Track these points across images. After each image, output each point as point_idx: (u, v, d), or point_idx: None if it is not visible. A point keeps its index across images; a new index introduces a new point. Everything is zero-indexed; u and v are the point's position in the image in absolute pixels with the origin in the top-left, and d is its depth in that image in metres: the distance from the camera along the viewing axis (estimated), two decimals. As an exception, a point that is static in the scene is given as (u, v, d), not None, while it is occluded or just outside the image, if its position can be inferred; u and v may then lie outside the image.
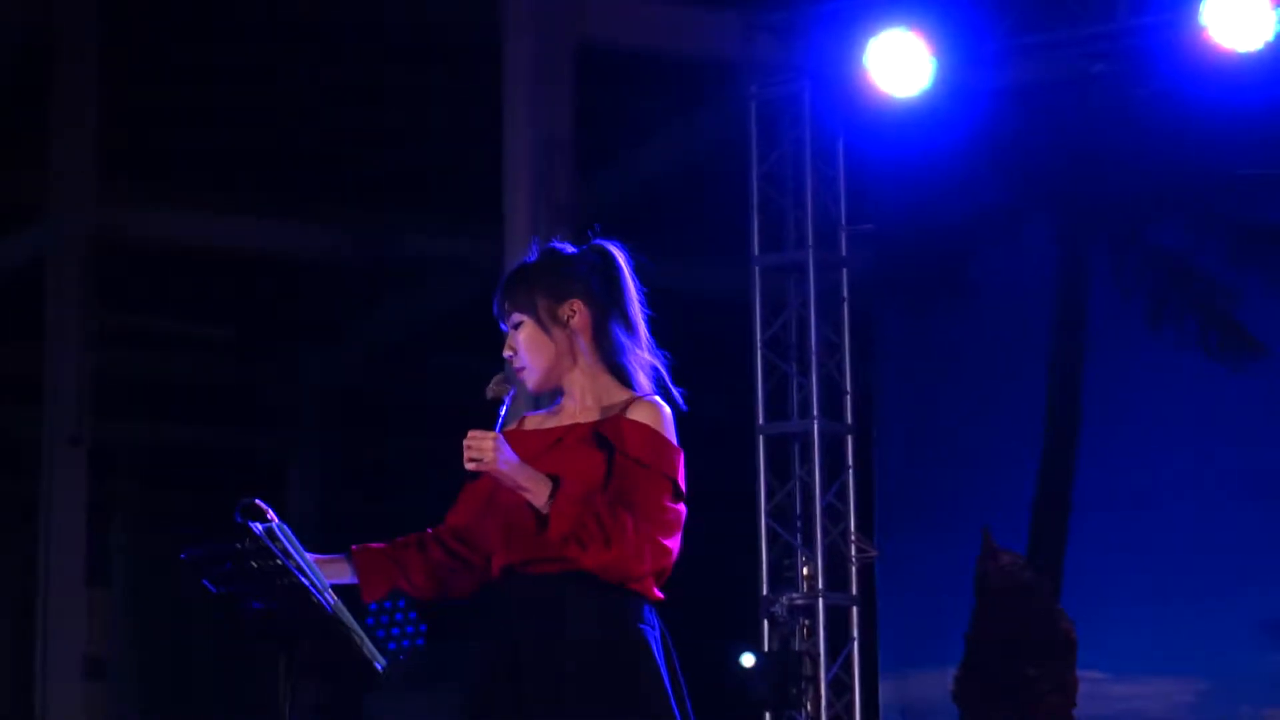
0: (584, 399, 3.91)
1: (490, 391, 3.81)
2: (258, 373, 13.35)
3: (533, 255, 3.99)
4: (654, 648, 3.83)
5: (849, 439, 8.58)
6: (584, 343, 3.90)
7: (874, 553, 8.54)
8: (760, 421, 8.56)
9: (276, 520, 4.13)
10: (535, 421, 4.02)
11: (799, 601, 8.42)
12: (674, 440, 3.86)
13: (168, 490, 13.28)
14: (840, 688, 8.44)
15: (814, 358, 8.50)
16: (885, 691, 8.57)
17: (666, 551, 3.79)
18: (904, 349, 8.76)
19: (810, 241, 8.54)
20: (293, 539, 4.14)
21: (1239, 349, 8.23)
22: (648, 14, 9.49)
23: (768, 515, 8.54)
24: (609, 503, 3.73)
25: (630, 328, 3.93)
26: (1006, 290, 8.55)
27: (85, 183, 10.75)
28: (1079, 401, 8.48)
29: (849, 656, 8.44)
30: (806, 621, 8.44)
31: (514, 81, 9.28)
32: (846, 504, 8.52)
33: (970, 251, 8.63)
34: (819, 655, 8.34)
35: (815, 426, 8.46)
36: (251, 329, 12.74)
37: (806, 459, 8.52)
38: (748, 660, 8.51)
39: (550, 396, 4.02)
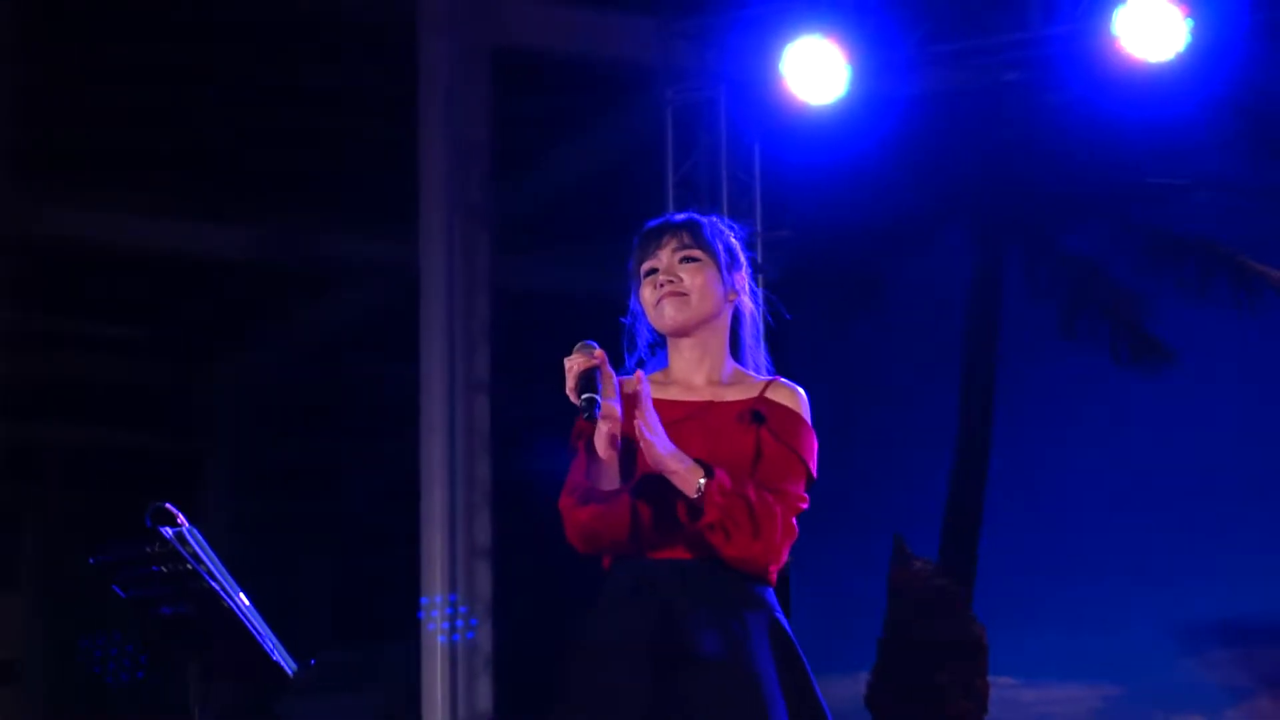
0: (713, 373, 3.77)
1: (580, 364, 3.55)
2: (171, 375, 13.26)
3: (696, 215, 3.87)
4: (794, 638, 3.68)
5: (763, 444, 8.58)
6: (728, 319, 3.80)
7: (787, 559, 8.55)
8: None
9: (187, 524, 4.10)
10: (631, 385, 3.71)
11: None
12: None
13: (79, 493, 13.17)
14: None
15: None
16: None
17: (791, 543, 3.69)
18: (818, 356, 8.78)
19: (726, 247, 8.53)
20: (203, 543, 4.11)
21: (1150, 356, 8.30)
22: (563, 17, 9.48)
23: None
24: (759, 491, 3.59)
25: (755, 326, 3.87)
26: (921, 297, 8.59)
27: (-2, 182, 10.65)
28: (991, 408, 8.52)
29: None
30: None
31: (429, 83, 9.25)
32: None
33: (885, 258, 8.67)
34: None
35: (730, 432, 8.46)
36: (164, 331, 12.64)
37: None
38: None
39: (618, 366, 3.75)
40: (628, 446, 3.57)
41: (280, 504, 13.32)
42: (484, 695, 9.05)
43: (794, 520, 3.65)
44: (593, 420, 3.48)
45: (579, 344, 3.60)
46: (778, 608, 3.68)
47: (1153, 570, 7.97)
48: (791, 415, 3.70)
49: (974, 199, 8.64)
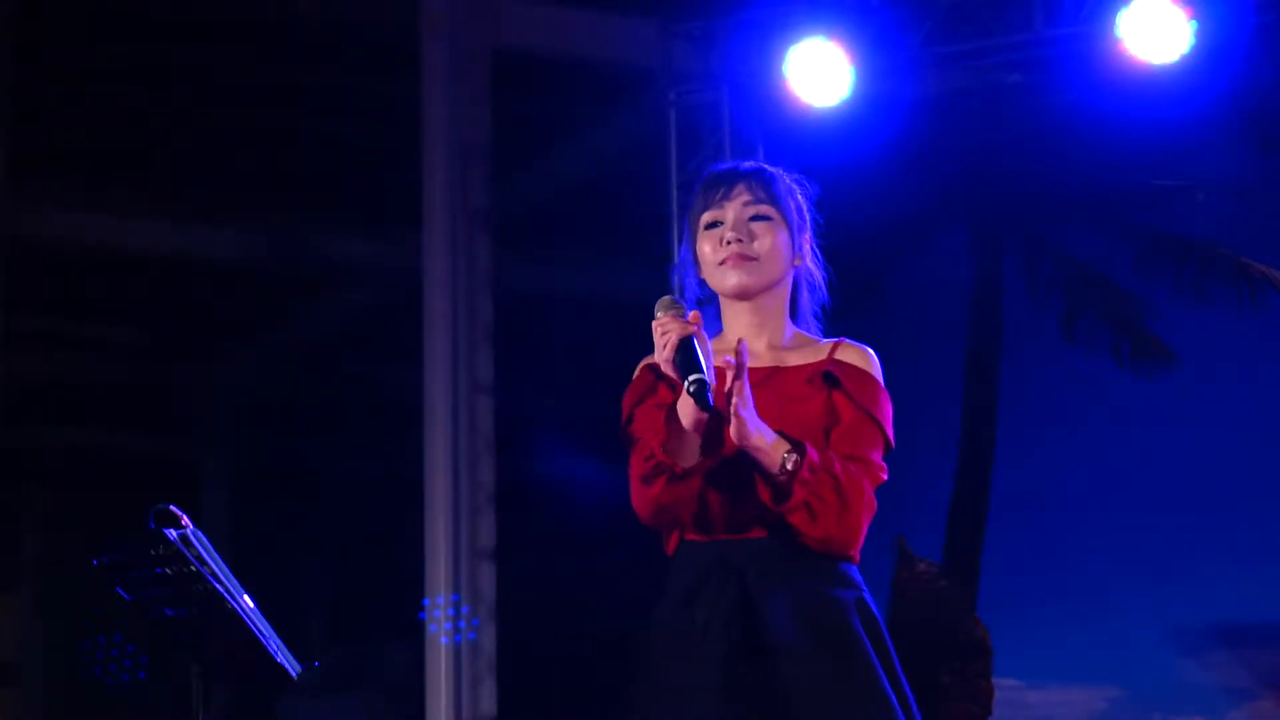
0: (774, 337, 3.45)
1: (671, 327, 3.17)
2: (170, 376, 13.25)
3: (766, 166, 3.52)
4: (881, 620, 3.36)
5: (766, 446, 8.57)
6: (789, 284, 3.47)
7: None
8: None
9: (191, 526, 4.09)
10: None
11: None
12: None
13: (79, 494, 13.16)
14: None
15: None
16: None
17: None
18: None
19: (728, 249, 8.53)
20: (207, 545, 4.10)
21: (1151, 358, 8.30)
22: (565, 19, 9.48)
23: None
24: (845, 465, 3.27)
25: (815, 291, 3.54)
26: (924, 298, 8.60)
27: (-3, 184, 10.63)
28: (994, 411, 8.53)
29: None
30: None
31: (431, 85, 9.25)
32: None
33: (888, 259, 8.67)
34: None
35: (732, 434, 8.44)
36: (164, 332, 12.64)
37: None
38: None
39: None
40: (712, 420, 3.21)
41: (281, 505, 13.32)
42: (487, 697, 9.05)
43: (874, 494, 3.34)
44: (708, 409, 3.12)
45: (664, 301, 3.24)
46: (864, 586, 3.36)
47: (1155, 572, 7.98)
48: (866, 377, 3.38)
49: (977, 200, 8.64)
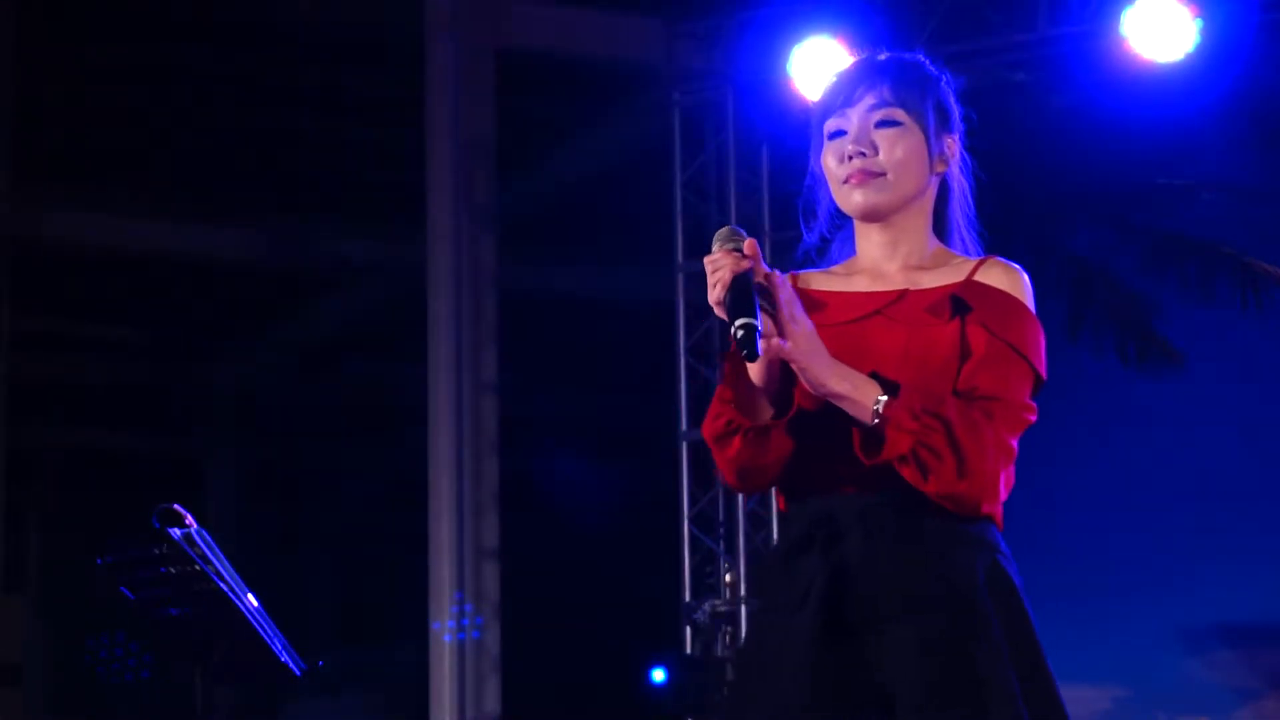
0: (910, 257, 2.97)
1: (722, 263, 2.74)
2: (174, 376, 13.25)
3: (902, 57, 3.04)
4: (1022, 590, 2.86)
5: (771, 445, 8.56)
6: (938, 193, 3.01)
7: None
8: (683, 428, 8.55)
9: (195, 525, 4.08)
10: (820, 281, 3.01)
11: (721, 608, 8.42)
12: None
13: (83, 494, 13.16)
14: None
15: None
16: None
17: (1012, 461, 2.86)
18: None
19: (733, 248, 8.52)
20: (211, 544, 4.10)
21: (1156, 357, 8.29)
22: (570, 18, 9.48)
23: (690, 521, 8.53)
24: (964, 408, 2.77)
25: (965, 198, 3.06)
26: (927, 298, 8.59)
27: (-1, 184, 10.64)
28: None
29: (769, 663, 8.42)
30: (729, 628, 8.43)
31: (436, 84, 9.26)
32: (769, 511, 8.51)
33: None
34: (740, 662, 8.33)
35: (737, 433, 8.43)
36: (168, 332, 12.64)
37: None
38: (659, 676, 8.50)
39: (819, 252, 3.09)
40: (786, 367, 2.80)
41: (285, 504, 13.32)
42: (491, 695, 9.05)
43: (1016, 441, 2.85)
44: (754, 356, 2.68)
45: (722, 232, 2.81)
46: (1003, 549, 2.87)
47: (1161, 571, 7.97)
48: (1008, 301, 2.88)
49: (980, 199, 8.63)
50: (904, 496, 2.79)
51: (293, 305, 12.59)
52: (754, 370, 2.82)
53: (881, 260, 2.96)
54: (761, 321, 2.71)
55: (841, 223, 3.04)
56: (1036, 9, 7.76)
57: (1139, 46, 7.52)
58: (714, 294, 2.73)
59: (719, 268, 2.73)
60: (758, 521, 8.53)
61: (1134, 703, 8.02)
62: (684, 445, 8.54)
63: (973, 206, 3.05)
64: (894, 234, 2.95)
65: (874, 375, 2.79)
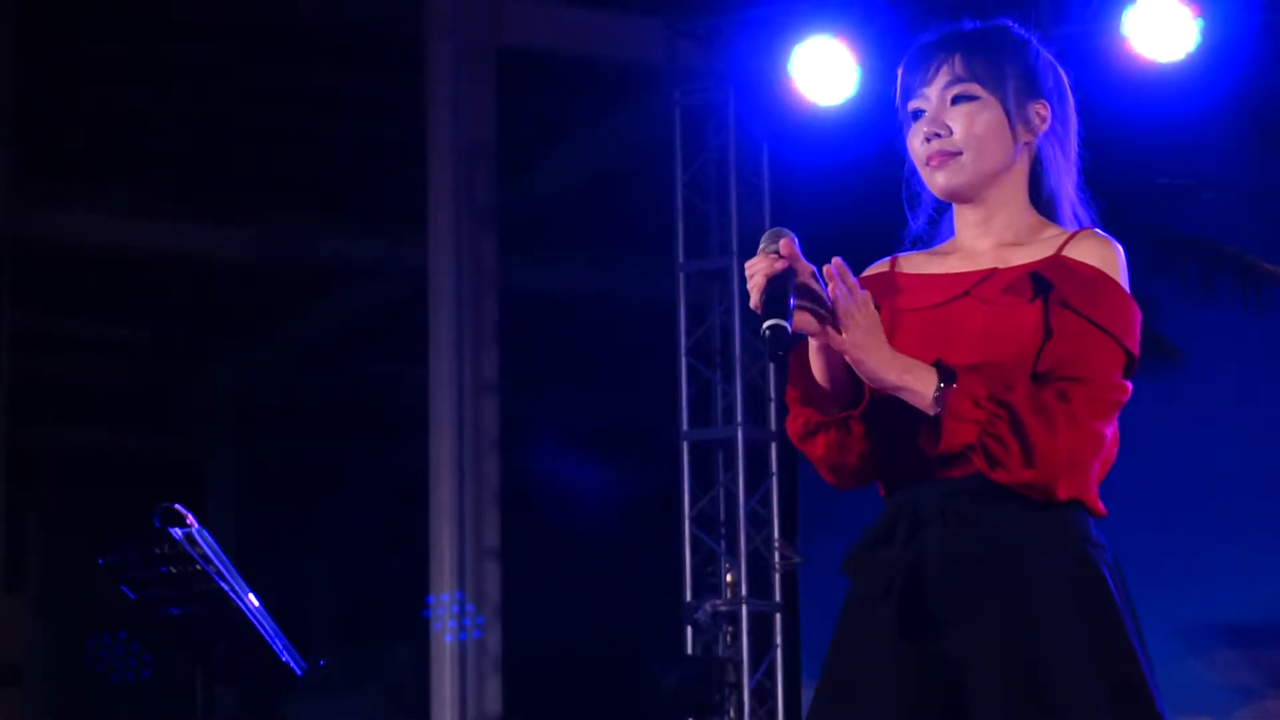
0: (1004, 233, 2.87)
1: (757, 267, 2.67)
2: (175, 375, 13.25)
3: (976, 24, 2.95)
4: (1111, 581, 2.76)
5: (773, 446, 8.58)
6: (1031, 163, 2.89)
7: (798, 559, 8.53)
8: (684, 428, 8.54)
9: (196, 525, 4.08)
10: (915, 263, 2.95)
11: (722, 608, 8.41)
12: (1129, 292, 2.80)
13: (83, 494, 13.16)
14: (763, 695, 8.43)
15: (738, 364, 8.49)
16: (808, 698, 8.57)
17: (1105, 447, 2.79)
18: (827, 356, 8.76)
19: (735, 248, 8.53)
20: (212, 544, 4.10)
21: (1156, 356, 8.28)
22: (570, 18, 9.48)
23: (691, 521, 8.53)
24: (1034, 391, 2.67)
25: (1069, 164, 2.94)
26: (929, 297, 8.58)
27: (0, 184, 10.63)
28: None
29: (772, 663, 8.43)
30: (730, 628, 8.43)
31: (436, 84, 9.26)
32: (770, 510, 8.51)
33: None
34: (742, 662, 8.33)
35: (739, 433, 8.45)
36: (169, 331, 12.64)
37: (730, 465, 8.52)
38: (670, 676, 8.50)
39: (931, 232, 3.00)
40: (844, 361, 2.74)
41: (286, 504, 13.32)
42: (492, 695, 9.05)
43: (1106, 418, 2.75)
44: (779, 358, 2.63)
45: (767, 234, 2.72)
46: (1094, 539, 2.78)
47: (1161, 570, 7.95)
48: (1095, 276, 2.75)
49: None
50: (987, 484, 2.70)
51: (293, 305, 12.59)
52: (815, 365, 2.77)
53: (975, 238, 2.88)
54: (798, 319, 2.65)
55: (945, 204, 2.96)
56: (1038, 8, 7.75)
57: (1140, 46, 7.51)
58: (752, 300, 2.67)
59: (754, 272, 2.67)
60: (759, 521, 8.52)
61: (1135, 702, 8.01)
62: (684, 445, 8.54)
63: (1075, 171, 2.94)
64: (985, 211, 2.87)
65: (949, 360, 2.71)
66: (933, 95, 2.86)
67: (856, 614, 2.78)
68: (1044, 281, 2.76)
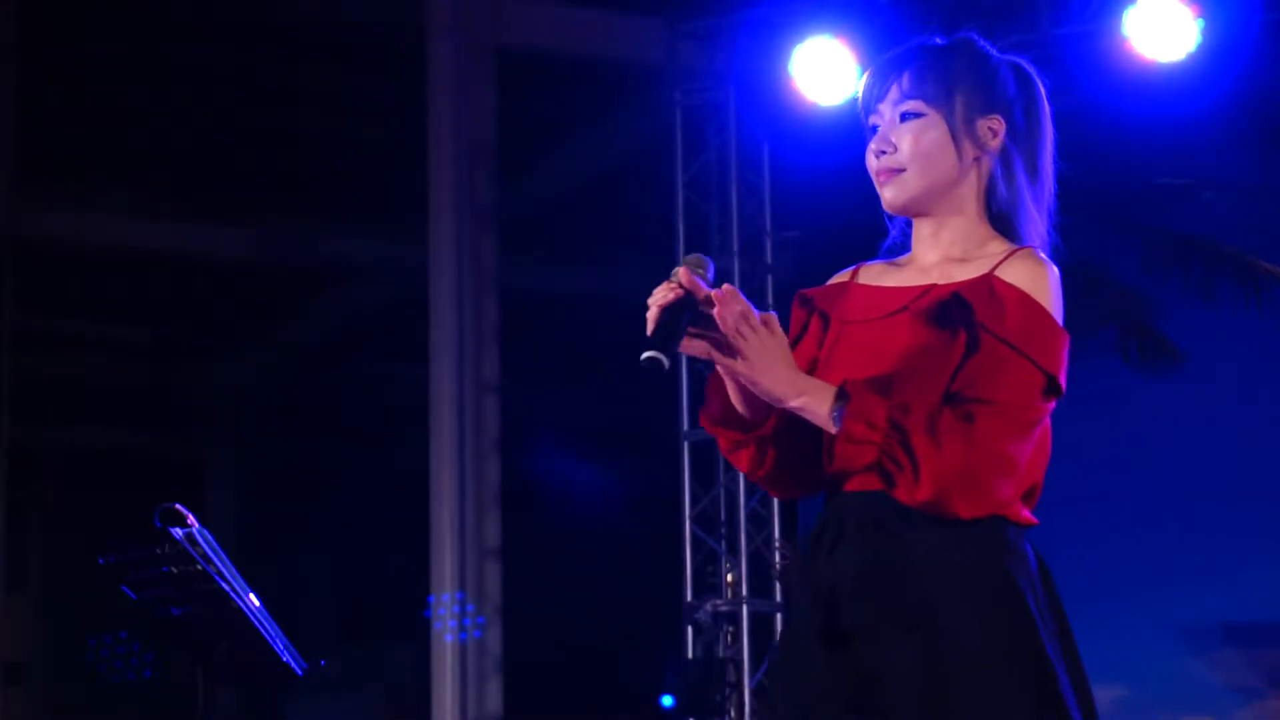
0: (951, 248, 2.88)
1: (654, 298, 2.71)
2: (176, 375, 13.26)
3: (940, 39, 2.96)
4: (1026, 590, 2.74)
5: (772, 445, 8.57)
6: (983, 178, 2.90)
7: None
8: (684, 428, 8.55)
9: (197, 525, 4.08)
10: (872, 274, 2.96)
11: (723, 608, 8.41)
12: (1059, 315, 2.79)
13: (84, 494, 13.17)
14: (764, 694, 8.44)
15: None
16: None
17: (1019, 466, 2.74)
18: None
19: (736, 249, 8.54)
20: (213, 544, 4.10)
21: (1158, 357, 8.29)
22: (570, 18, 9.48)
23: (692, 521, 8.53)
24: (935, 412, 2.66)
25: (1036, 178, 2.94)
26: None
27: (1, 184, 10.63)
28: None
29: (772, 663, 8.44)
30: (730, 628, 8.43)
31: (437, 84, 9.25)
32: (770, 510, 8.51)
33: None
34: (742, 662, 8.33)
35: (738, 432, 8.43)
36: (170, 331, 12.65)
37: (730, 465, 8.51)
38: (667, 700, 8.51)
39: (901, 246, 2.99)
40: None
41: (287, 504, 13.33)
42: (493, 695, 9.05)
43: (1019, 438, 2.72)
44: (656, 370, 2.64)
45: (692, 257, 2.78)
46: (1012, 549, 2.76)
47: (1162, 570, 7.97)
48: (1018, 298, 2.75)
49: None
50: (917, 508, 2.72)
51: (293, 305, 12.60)
52: (729, 387, 2.82)
53: (925, 252, 2.90)
54: (692, 346, 2.72)
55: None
56: (1038, 8, 7.76)
57: (1140, 46, 7.51)
58: (648, 329, 2.69)
59: (651, 301, 2.71)
60: (759, 521, 8.52)
61: (1135, 703, 8.01)
62: (685, 445, 8.54)
63: (1030, 186, 2.94)
64: (933, 225, 2.89)
65: (873, 374, 2.74)
66: (885, 111, 2.89)
67: (789, 625, 2.86)
68: (966, 302, 2.77)
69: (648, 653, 8.83)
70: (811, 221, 8.73)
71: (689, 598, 8.50)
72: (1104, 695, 8.54)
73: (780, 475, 2.86)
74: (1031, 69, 3.00)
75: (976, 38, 2.97)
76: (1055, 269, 2.83)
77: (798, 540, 2.59)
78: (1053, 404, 2.78)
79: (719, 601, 8.43)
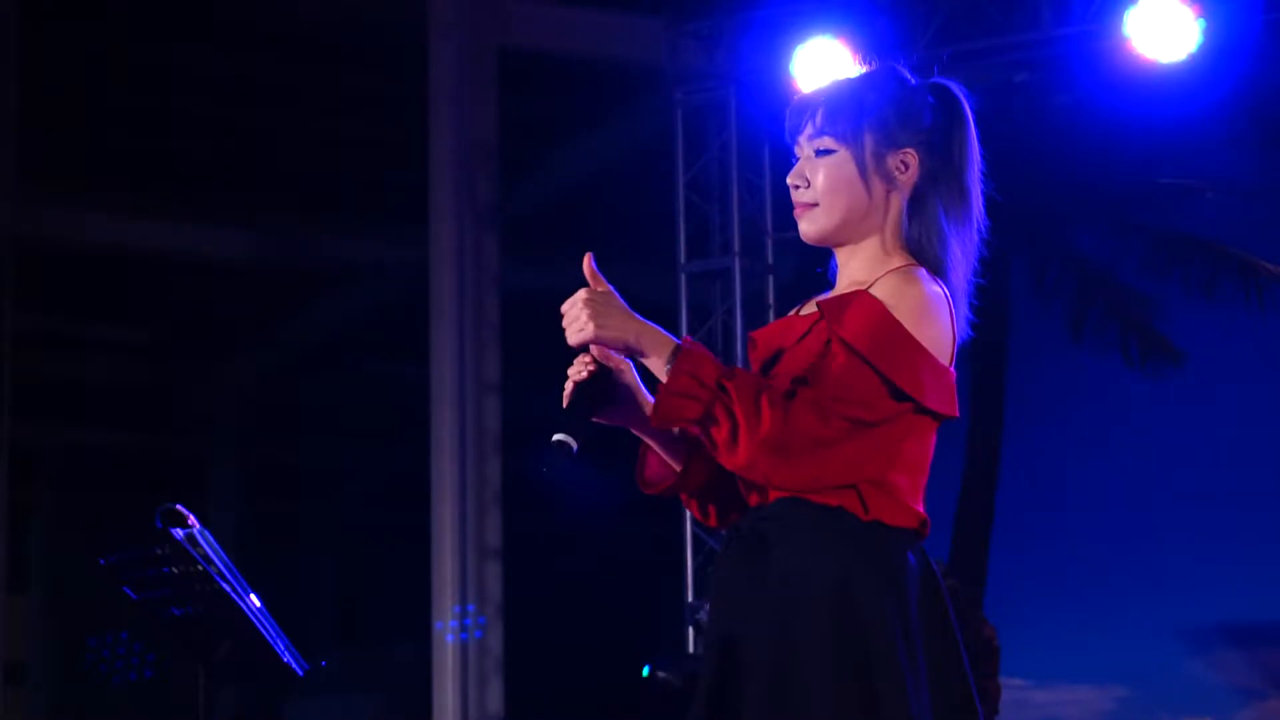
0: (857, 273, 2.96)
1: (572, 376, 2.92)
2: (177, 375, 13.25)
3: (864, 70, 3.03)
4: (888, 604, 2.80)
5: (771, 446, 8.56)
6: (897, 210, 2.96)
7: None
8: (684, 428, 8.54)
9: (197, 525, 4.08)
10: (810, 303, 3.06)
11: (722, 608, 8.40)
12: (930, 331, 2.83)
13: (85, 494, 13.16)
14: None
15: (740, 365, 8.48)
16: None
17: (835, 453, 2.78)
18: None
19: (736, 248, 8.54)
20: (214, 544, 4.09)
21: (1159, 357, 8.29)
22: (572, 18, 9.48)
23: (692, 521, 8.53)
24: (761, 384, 2.79)
25: (960, 206, 2.99)
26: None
27: (2, 184, 10.63)
28: (1002, 410, 8.51)
29: (771, 663, 8.42)
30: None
31: (438, 85, 9.26)
32: (769, 510, 8.50)
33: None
34: (742, 662, 8.32)
35: (739, 434, 8.43)
36: (171, 331, 12.64)
37: (730, 465, 8.51)
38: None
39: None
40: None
41: (288, 504, 13.32)
42: (494, 696, 9.04)
43: (826, 428, 2.76)
44: (547, 474, 2.80)
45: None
46: (866, 551, 2.82)
47: (1163, 571, 7.97)
48: (867, 311, 2.82)
49: (983, 199, 8.63)
50: (785, 509, 2.86)
51: (293, 305, 12.59)
52: (654, 448, 3.01)
53: (840, 279, 3.01)
54: (610, 418, 2.91)
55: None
56: (1039, 9, 7.75)
57: (1141, 47, 7.51)
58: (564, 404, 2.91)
59: (570, 378, 2.94)
60: (760, 521, 8.52)
61: (1136, 703, 8.02)
62: (686, 445, 8.53)
63: (964, 209, 3.01)
64: (846, 255, 2.99)
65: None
66: (803, 145, 2.99)
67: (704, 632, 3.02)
68: (829, 311, 2.88)
69: (648, 653, 8.82)
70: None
71: (690, 598, 8.50)
72: (1105, 695, 8.57)
73: (717, 508, 3.02)
74: (959, 92, 3.03)
75: (897, 67, 3.02)
76: (935, 288, 2.89)
77: None
78: (908, 413, 2.84)
79: (720, 602, 8.42)
